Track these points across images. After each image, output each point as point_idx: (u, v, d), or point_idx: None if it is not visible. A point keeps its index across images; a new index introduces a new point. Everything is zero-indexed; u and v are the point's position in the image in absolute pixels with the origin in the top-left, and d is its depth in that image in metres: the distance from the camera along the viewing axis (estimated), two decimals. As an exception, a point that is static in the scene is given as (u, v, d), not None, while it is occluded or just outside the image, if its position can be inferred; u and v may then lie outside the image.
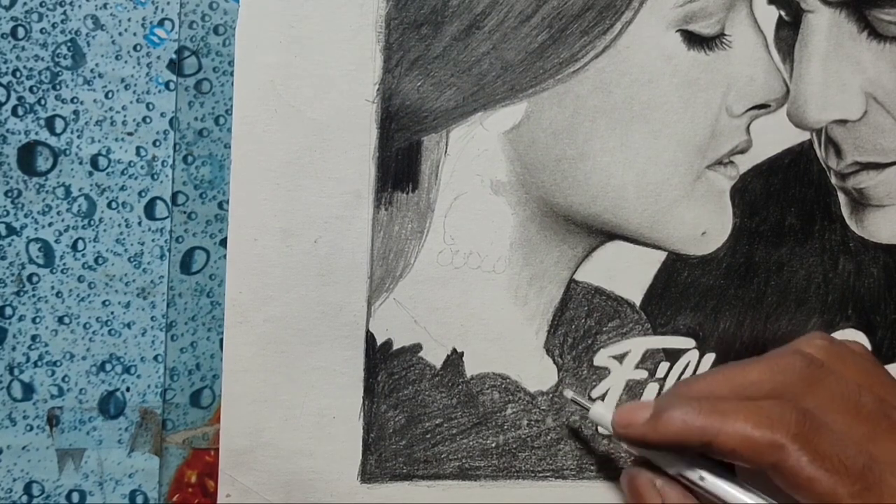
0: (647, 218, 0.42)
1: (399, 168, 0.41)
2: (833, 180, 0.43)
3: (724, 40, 0.42)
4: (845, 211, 0.43)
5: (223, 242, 0.41)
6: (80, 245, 0.40)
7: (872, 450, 0.34)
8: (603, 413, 0.39)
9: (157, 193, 0.41)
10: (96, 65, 0.40)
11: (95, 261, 0.41)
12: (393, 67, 0.40)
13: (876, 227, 0.43)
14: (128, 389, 0.41)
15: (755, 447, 0.34)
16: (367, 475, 0.41)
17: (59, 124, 0.40)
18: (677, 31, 0.41)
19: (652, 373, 0.43)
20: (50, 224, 0.40)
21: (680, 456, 0.37)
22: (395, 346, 0.41)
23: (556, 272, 0.42)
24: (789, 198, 0.43)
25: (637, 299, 0.43)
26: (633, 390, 0.43)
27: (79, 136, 0.40)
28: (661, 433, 0.36)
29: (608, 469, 0.43)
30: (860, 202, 0.43)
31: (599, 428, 0.42)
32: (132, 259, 0.41)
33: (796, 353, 0.38)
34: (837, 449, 0.34)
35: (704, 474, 0.37)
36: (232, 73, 0.40)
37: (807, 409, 0.35)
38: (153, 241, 0.41)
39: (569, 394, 0.41)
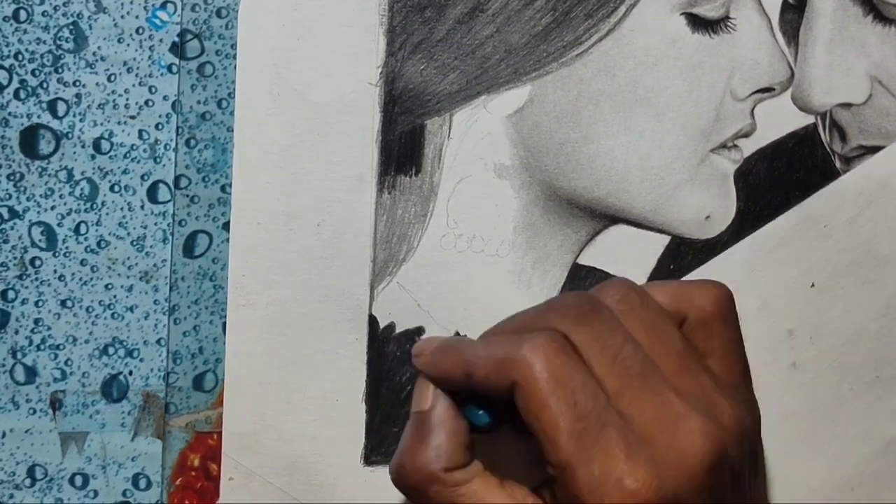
0: (651, 202, 0.42)
1: (402, 151, 0.41)
2: (837, 164, 0.43)
3: (728, 23, 0.41)
4: (849, 195, 0.43)
5: (226, 226, 0.41)
6: (83, 228, 0.40)
7: (613, 402, 0.33)
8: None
9: (160, 177, 0.41)
10: (98, 48, 0.40)
11: (98, 244, 0.41)
12: (396, 50, 0.40)
13: (880, 211, 0.43)
14: (130, 373, 0.41)
15: (503, 365, 0.34)
16: (370, 458, 0.41)
17: (61, 107, 0.40)
18: (682, 14, 0.41)
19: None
20: (52, 207, 0.40)
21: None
22: (398, 330, 0.41)
23: (559, 256, 0.42)
24: (793, 181, 0.43)
25: (641, 283, 0.43)
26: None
27: (81, 120, 0.40)
28: (437, 365, 0.36)
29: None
30: (864, 186, 0.43)
31: None
32: (135, 242, 0.41)
33: (578, 292, 0.37)
34: (576, 384, 0.33)
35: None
36: (234, 57, 0.40)
37: (565, 338, 0.34)
38: (156, 224, 0.41)
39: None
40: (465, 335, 0.41)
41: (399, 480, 0.36)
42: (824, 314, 0.43)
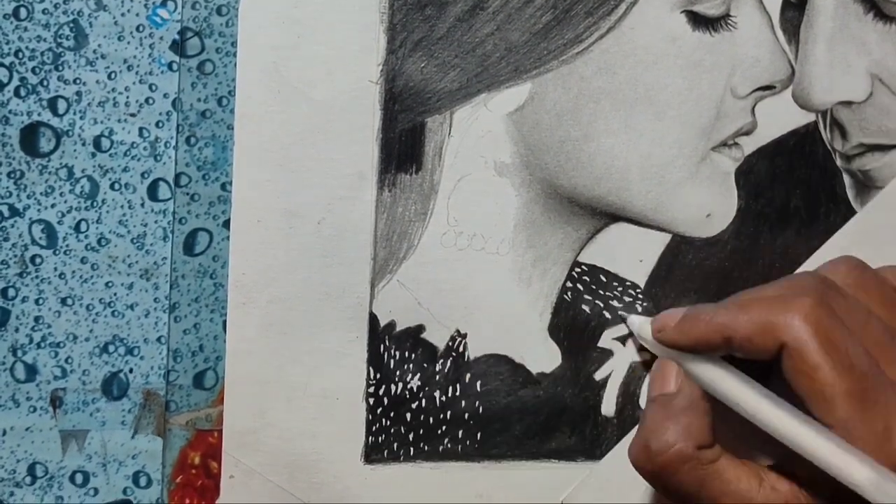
0: (652, 200, 0.42)
1: (403, 149, 0.41)
2: (838, 162, 0.43)
3: (729, 21, 0.41)
4: (850, 193, 0.43)
5: (226, 224, 0.41)
6: (83, 226, 0.40)
7: (879, 356, 0.34)
8: (641, 321, 0.41)
9: (160, 175, 0.41)
10: (99, 45, 0.40)
11: (98, 242, 0.41)
12: (397, 48, 0.40)
13: (881, 209, 0.43)
14: (131, 371, 0.41)
15: (768, 329, 0.34)
16: (370, 456, 0.41)
17: (61, 105, 0.40)
18: (682, 11, 0.41)
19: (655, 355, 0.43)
20: (53, 205, 0.40)
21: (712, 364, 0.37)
22: (399, 328, 0.41)
23: (560, 254, 0.42)
24: (794, 179, 0.43)
25: (641, 281, 0.43)
26: (636, 372, 0.43)
27: (81, 118, 0.40)
28: (688, 334, 0.37)
29: (610, 451, 0.43)
30: (865, 184, 0.43)
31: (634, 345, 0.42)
32: (135, 240, 0.41)
33: (814, 273, 0.38)
34: (848, 345, 0.34)
35: (723, 375, 0.37)
36: (235, 54, 0.40)
37: (829, 302, 0.35)
38: (156, 222, 0.41)
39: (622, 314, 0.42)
40: (466, 333, 0.41)
41: (646, 462, 0.36)
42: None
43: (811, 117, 0.43)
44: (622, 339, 0.43)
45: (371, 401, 0.41)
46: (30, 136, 0.40)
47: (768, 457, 0.38)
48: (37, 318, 0.40)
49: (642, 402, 0.42)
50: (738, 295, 0.38)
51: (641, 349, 0.42)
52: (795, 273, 0.39)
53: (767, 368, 0.36)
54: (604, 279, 0.43)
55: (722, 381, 0.37)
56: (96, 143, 0.40)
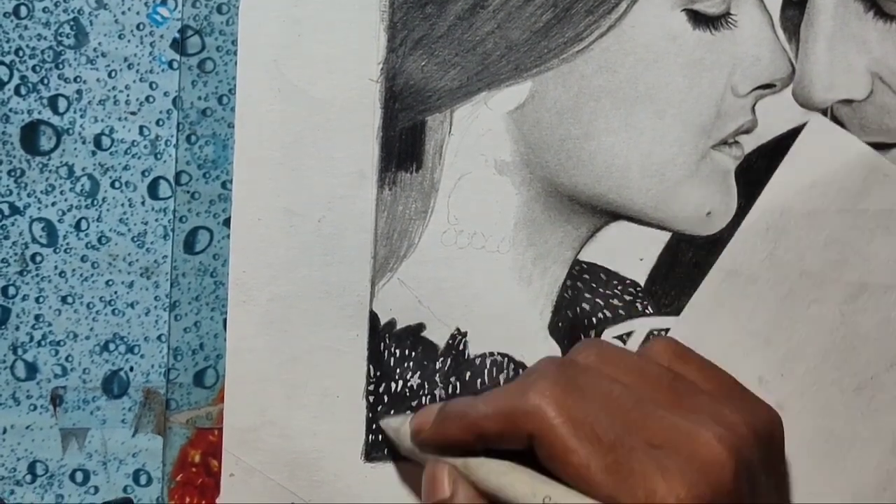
0: (652, 198, 0.42)
1: (403, 148, 0.41)
2: (838, 160, 0.43)
3: (729, 20, 0.41)
4: (850, 191, 0.43)
5: (227, 222, 0.41)
6: (84, 225, 0.40)
7: (625, 423, 0.34)
8: (399, 422, 0.39)
9: (161, 173, 0.41)
10: (99, 44, 0.40)
11: (99, 240, 0.41)
12: (397, 47, 0.40)
13: (881, 207, 0.43)
14: (131, 369, 0.41)
15: (513, 420, 0.34)
16: (370, 454, 0.41)
17: (62, 103, 0.40)
18: (683, 10, 0.41)
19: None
20: (53, 204, 0.40)
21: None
22: (399, 326, 0.41)
23: (560, 252, 0.42)
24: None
25: (641, 280, 0.43)
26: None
27: (82, 116, 0.40)
28: (444, 435, 0.36)
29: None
30: (865, 182, 0.43)
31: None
32: (135, 239, 0.41)
33: (553, 357, 0.38)
34: (591, 418, 0.34)
35: (484, 465, 0.36)
36: (235, 53, 0.40)
37: (564, 379, 0.34)
38: (156, 220, 0.41)
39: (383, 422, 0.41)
40: (466, 331, 0.41)
41: None
42: (785, 348, 0.43)
43: (811, 116, 0.43)
44: (623, 338, 0.43)
45: (371, 399, 0.41)
46: (30, 135, 0.40)
47: None
48: (37, 317, 0.40)
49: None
50: (491, 390, 0.37)
51: (401, 458, 0.41)
52: (539, 361, 0.38)
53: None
54: (604, 277, 0.43)
55: (490, 476, 0.35)
56: (97, 141, 0.40)
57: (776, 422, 0.37)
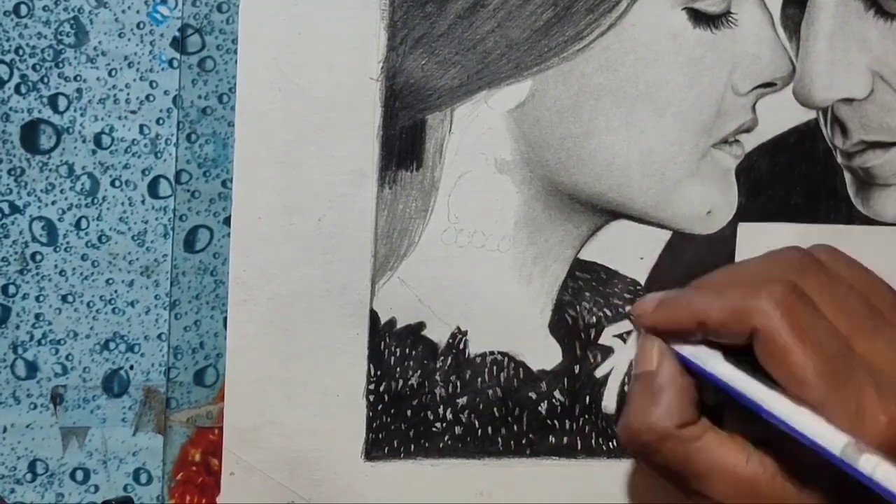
0: (652, 197, 0.42)
1: (403, 146, 0.41)
2: (839, 159, 0.43)
3: (730, 18, 0.41)
4: (851, 190, 0.43)
5: (227, 221, 0.41)
6: (84, 223, 0.40)
7: (850, 342, 0.35)
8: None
9: (161, 172, 0.41)
10: (99, 42, 0.40)
11: (99, 239, 0.41)
12: (397, 45, 0.40)
13: (882, 206, 0.43)
14: (131, 368, 0.41)
15: (741, 314, 0.35)
16: (370, 453, 0.41)
17: (62, 102, 0.40)
18: (683, 8, 0.41)
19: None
20: (53, 202, 0.40)
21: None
22: (399, 325, 0.41)
23: (560, 251, 0.42)
24: (795, 177, 0.43)
25: (642, 278, 0.43)
26: (637, 369, 0.43)
27: (82, 115, 0.40)
28: (665, 317, 0.37)
29: (613, 449, 0.43)
30: (866, 181, 0.43)
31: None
32: (136, 237, 0.41)
33: (796, 248, 0.38)
34: (818, 328, 0.34)
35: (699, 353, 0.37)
36: (235, 51, 0.40)
37: (798, 287, 0.35)
38: (157, 219, 0.41)
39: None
40: (467, 330, 0.41)
41: (631, 440, 0.37)
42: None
43: (812, 114, 0.43)
44: (623, 336, 0.43)
45: (371, 398, 0.41)
46: (30, 134, 0.40)
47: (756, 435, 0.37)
48: (37, 316, 0.40)
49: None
50: (716, 273, 0.38)
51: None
52: (780, 249, 0.39)
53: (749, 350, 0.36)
54: (604, 276, 0.43)
55: (701, 359, 0.37)
56: (97, 140, 0.40)
57: None
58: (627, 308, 0.42)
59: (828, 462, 0.33)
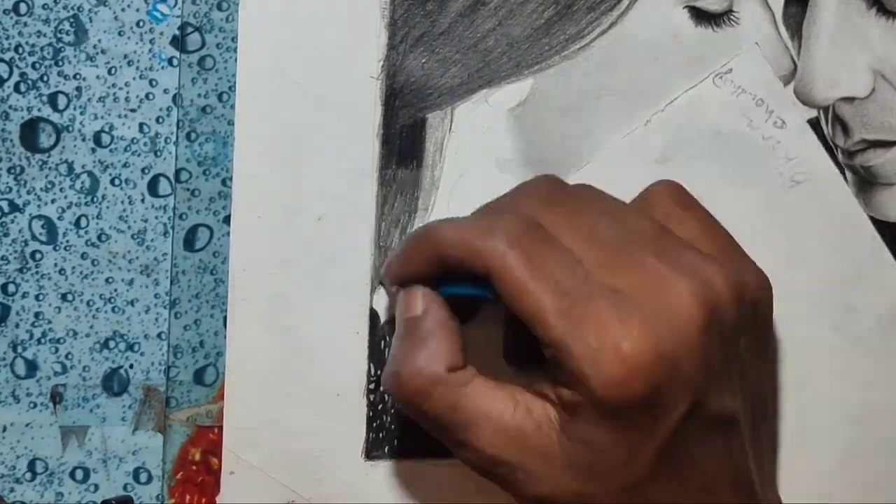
0: (653, 196, 0.42)
1: (403, 145, 0.41)
2: (840, 158, 0.43)
3: (731, 17, 0.41)
4: (853, 189, 0.43)
5: (227, 219, 0.40)
6: (83, 222, 0.40)
7: (596, 275, 0.33)
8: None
9: (161, 170, 0.41)
10: (99, 41, 0.40)
11: (98, 238, 0.40)
12: (397, 44, 0.40)
13: (883, 205, 0.43)
14: (131, 367, 0.41)
15: (476, 253, 0.34)
16: (371, 452, 0.41)
17: (61, 101, 0.40)
18: (685, 7, 0.41)
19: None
20: (53, 201, 0.40)
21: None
22: (400, 324, 0.41)
23: (561, 250, 0.42)
24: (796, 176, 0.43)
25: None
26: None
27: (81, 113, 0.40)
28: (406, 263, 0.36)
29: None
30: (867, 180, 0.43)
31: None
32: (135, 236, 0.41)
33: (545, 176, 0.37)
34: (554, 264, 0.33)
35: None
36: (235, 50, 0.40)
37: (536, 221, 0.34)
38: (156, 218, 0.41)
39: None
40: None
41: (399, 388, 0.35)
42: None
43: (813, 113, 0.43)
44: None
45: (372, 397, 0.41)
46: (30, 132, 0.40)
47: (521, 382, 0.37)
48: (37, 314, 0.40)
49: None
50: (474, 212, 0.37)
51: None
52: (535, 177, 0.37)
53: None
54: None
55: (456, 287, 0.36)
56: (96, 138, 0.40)
57: (765, 287, 0.36)
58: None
59: None
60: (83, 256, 0.40)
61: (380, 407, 0.41)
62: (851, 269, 0.43)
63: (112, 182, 0.40)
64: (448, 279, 0.36)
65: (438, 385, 0.35)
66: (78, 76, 0.40)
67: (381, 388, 0.36)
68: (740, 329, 0.35)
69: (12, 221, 0.40)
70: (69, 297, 0.40)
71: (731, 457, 0.35)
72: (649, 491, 0.34)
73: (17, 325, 0.40)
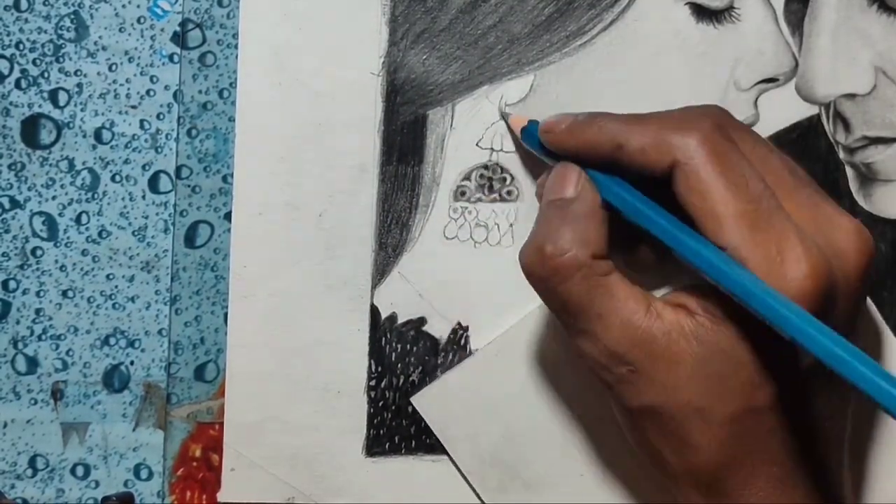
0: (654, 192, 0.42)
1: (404, 142, 0.41)
2: (841, 155, 0.43)
3: (733, 13, 0.41)
4: (853, 186, 0.43)
5: (227, 216, 0.40)
6: (84, 219, 0.40)
7: (775, 187, 0.33)
8: (518, 118, 0.39)
9: (161, 167, 0.41)
10: (100, 37, 0.40)
11: (99, 234, 0.40)
12: (398, 40, 0.40)
13: (884, 202, 0.43)
14: (132, 363, 0.41)
15: (662, 145, 0.33)
16: (371, 449, 0.41)
17: (62, 97, 0.40)
18: (686, 3, 0.41)
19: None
20: (54, 197, 0.40)
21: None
22: (400, 320, 0.41)
23: (562, 247, 0.42)
24: (797, 172, 0.43)
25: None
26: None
27: (82, 110, 0.40)
28: (577, 136, 0.35)
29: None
30: (868, 177, 0.43)
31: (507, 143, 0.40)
32: (136, 233, 0.41)
33: (716, 105, 0.36)
34: (743, 169, 0.33)
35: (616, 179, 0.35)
36: (236, 46, 0.40)
37: (723, 126, 0.34)
38: (157, 214, 0.41)
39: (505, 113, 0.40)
40: (468, 326, 0.41)
41: (538, 266, 0.34)
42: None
43: (814, 110, 0.43)
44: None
45: (373, 394, 0.41)
46: (31, 128, 0.40)
47: (658, 290, 0.37)
48: (38, 311, 0.40)
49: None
50: (638, 114, 0.36)
51: (524, 153, 0.40)
52: (701, 105, 0.37)
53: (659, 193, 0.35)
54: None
55: (617, 189, 0.35)
56: (97, 135, 0.40)
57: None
58: (504, 111, 0.40)
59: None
60: (84, 253, 0.40)
61: (380, 404, 0.41)
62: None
63: (113, 178, 0.40)
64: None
65: (580, 270, 0.34)
66: (79, 72, 0.40)
67: (520, 263, 0.35)
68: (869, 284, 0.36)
69: (13, 218, 0.40)
70: (70, 293, 0.40)
71: (844, 412, 0.35)
72: (764, 418, 0.33)
73: (17, 322, 0.40)
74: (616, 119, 0.35)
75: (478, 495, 0.41)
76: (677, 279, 0.36)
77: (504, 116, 0.40)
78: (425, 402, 0.41)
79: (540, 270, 0.34)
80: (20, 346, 0.40)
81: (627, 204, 0.35)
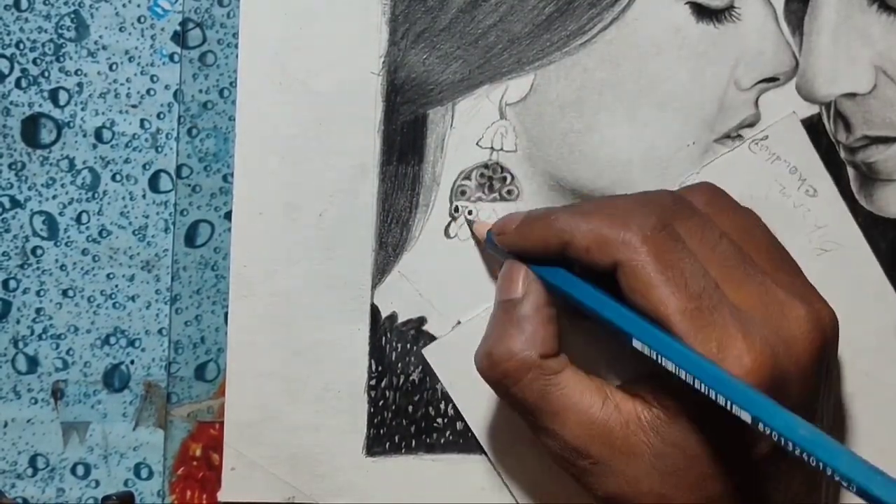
0: (655, 192, 0.42)
1: (404, 141, 0.41)
2: (842, 154, 0.43)
3: (733, 13, 0.41)
4: (854, 185, 0.43)
5: (228, 216, 0.40)
6: (85, 218, 0.40)
7: (720, 279, 0.34)
8: (482, 224, 0.40)
9: (162, 166, 0.41)
10: (100, 37, 0.40)
11: (100, 234, 0.40)
12: (399, 40, 0.40)
13: (885, 201, 0.43)
14: (132, 363, 0.41)
15: (606, 243, 0.34)
16: (371, 449, 0.41)
17: (62, 96, 0.40)
18: (686, 3, 0.41)
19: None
20: (54, 197, 0.40)
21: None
22: (400, 320, 0.41)
23: (562, 246, 0.42)
24: (798, 172, 0.43)
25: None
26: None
27: (83, 109, 0.40)
28: (526, 236, 0.36)
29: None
30: (869, 176, 0.43)
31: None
32: (136, 232, 0.41)
33: (668, 191, 0.37)
34: (685, 266, 0.33)
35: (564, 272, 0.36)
36: (236, 46, 0.40)
37: (668, 222, 0.34)
38: (157, 214, 0.41)
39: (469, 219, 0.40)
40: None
41: (491, 368, 0.35)
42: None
43: (815, 109, 0.42)
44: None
45: (373, 393, 0.41)
46: (31, 128, 0.40)
47: (615, 377, 0.37)
48: (38, 310, 0.40)
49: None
50: (589, 202, 0.37)
51: (486, 255, 0.41)
52: (655, 191, 0.38)
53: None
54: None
55: (562, 282, 0.35)
56: (97, 134, 0.40)
57: (836, 321, 0.37)
58: (468, 217, 0.40)
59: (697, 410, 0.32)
60: (84, 252, 0.40)
61: (381, 403, 0.41)
62: (874, 339, 0.42)
63: (113, 178, 0.40)
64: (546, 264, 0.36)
65: (530, 370, 0.35)
66: (79, 72, 0.40)
67: (475, 367, 0.36)
68: (829, 364, 0.35)
69: (13, 217, 0.40)
70: (70, 293, 0.40)
71: (813, 484, 0.35)
72: None
73: (18, 321, 0.40)
74: (565, 214, 0.35)
75: (484, 451, 0.41)
76: (642, 361, 0.35)
77: (469, 224, 0.41)
78: (436, 353, 0.41)
79: (491, 374, 0.35)
80: (20, 345, 0.40)
81: (573, 298, 0.35)
